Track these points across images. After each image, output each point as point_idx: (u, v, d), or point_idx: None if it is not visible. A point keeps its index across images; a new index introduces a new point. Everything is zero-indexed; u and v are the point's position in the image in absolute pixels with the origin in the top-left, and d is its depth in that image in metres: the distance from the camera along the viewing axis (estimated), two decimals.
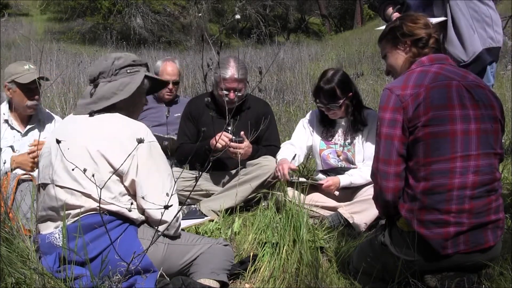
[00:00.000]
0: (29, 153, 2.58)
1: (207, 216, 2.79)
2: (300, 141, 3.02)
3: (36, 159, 2.50)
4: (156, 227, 1.80)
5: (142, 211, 1.88)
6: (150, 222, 1.89)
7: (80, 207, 1.78)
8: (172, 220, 1.74)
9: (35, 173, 2.42)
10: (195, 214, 2.82)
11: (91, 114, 1.89)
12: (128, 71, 1.95)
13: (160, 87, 2.26)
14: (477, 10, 2.72)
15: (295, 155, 2.88)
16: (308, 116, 3.10)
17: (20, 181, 2.44)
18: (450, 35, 2.70)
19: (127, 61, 1.96)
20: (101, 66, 1.95)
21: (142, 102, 2.06)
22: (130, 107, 1.98)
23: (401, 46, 1.93)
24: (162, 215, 1.60)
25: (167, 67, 3.67)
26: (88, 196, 1.79)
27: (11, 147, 2.69)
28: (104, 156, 1.79)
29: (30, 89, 2.68)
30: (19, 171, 2.54)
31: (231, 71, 2.98)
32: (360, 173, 2.82)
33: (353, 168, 2.91)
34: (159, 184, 1.83)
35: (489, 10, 2.75)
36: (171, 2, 18.84)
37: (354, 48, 11.44)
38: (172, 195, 1.77)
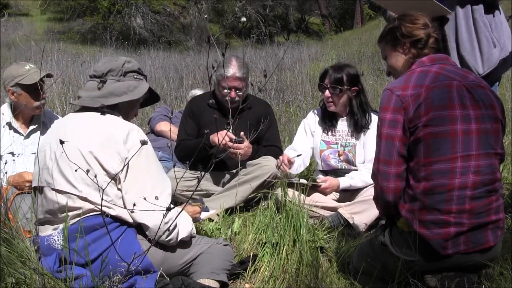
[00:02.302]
0: (27, 181, 2.48)
1: (212, 210, 2.75)
2: (303, 145, 3.02)
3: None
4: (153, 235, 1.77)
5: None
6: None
7: (78, 208, 1.77)
8: (161, 225, 1.68)
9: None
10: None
11: (102, 108, 1.91)
12: (135, 76, 2.01)
13: (150, 103, 2.27)
14: (496, 18, 2.59)
15: (299, 155, 2.92)
16: (308, 116, 3.09)
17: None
18: (473, 45, 2.58)
19: (135, 67, 2.03)
20: (111, 64, 1.98)
21: (137, 110, 2.11)
22: (128, 110, 2.01)
23: (400, 48, 1.93)
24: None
25: None
26: (84, 199, 1.78)
27: (11, 153, 2.66)
28: (97, 159, 1.78)
29: (36, 89, 2.60)
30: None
31: (233, 69, 2.98)
32: (361, 176, 2.82)
33: (354, 169, 2.90)
34: (147, 186, 1.80)
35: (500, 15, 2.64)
36: (171, 2, 18.83)
37: (354, 48, 11.43)
38: (168, 198, 1.76)
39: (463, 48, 2.58)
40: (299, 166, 2.96)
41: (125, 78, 1.98)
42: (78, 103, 1.95)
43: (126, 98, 1.95)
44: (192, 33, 17.89)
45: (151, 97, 2.15)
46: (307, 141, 3.03)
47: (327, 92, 2.85)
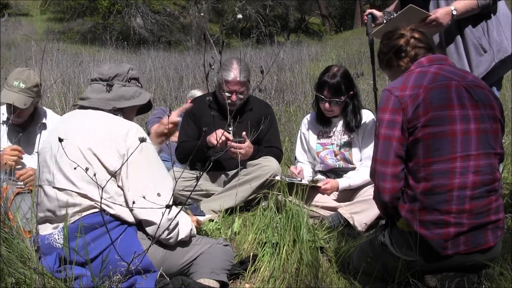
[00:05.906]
0: (12, 155, 2.52)
1: (208, 215, 2.78)
2: (305, 156, 3.10)
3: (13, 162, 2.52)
4: (153, 234, 1.78)
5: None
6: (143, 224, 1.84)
7: (78, 205, 1.78)
8: (161, 222, 1.66)
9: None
10: (196, 210, 2.80)
11: (114, 110, 1.96)
12: (138, 84, 2.11)
13: (143, 111, 2.32)
14: (490, 21, 2.52)
15: (295, 159, 3.02)
16: (302, 125, 3.14)
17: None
18: (460, 55, 2.57)
19: (137, 74, 2.13)
20: (117, 69, 2.05)
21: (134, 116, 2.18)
22: (131, 114, 2.08)
23: (394, 63, 1.97)
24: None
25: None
26: (84, 196, 1.79)
27: None
28: (96, 156, 1.79)
29: (13, 107, 2.57)
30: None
31: (233, 73, 2.97)
32: (359, 174, 2.83)
33: (351, 167, 2.92)
34: (149, 184, 1.80)
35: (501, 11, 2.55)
36: (171, 2, 18.83)
37: (354, 48, 11.42)
38: (169, 195, 1.76)
39: (450, 58, 2.54)
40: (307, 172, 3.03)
41: (130, 84, 2.06)
42: (88, 104, 1.98)
43: (134, 103, 2.03)
44: (192, 33, 17.88)
45: (144, 106, 2.20)
46: (305, 156, 3.11)
47: (327, 104, 2.85)
